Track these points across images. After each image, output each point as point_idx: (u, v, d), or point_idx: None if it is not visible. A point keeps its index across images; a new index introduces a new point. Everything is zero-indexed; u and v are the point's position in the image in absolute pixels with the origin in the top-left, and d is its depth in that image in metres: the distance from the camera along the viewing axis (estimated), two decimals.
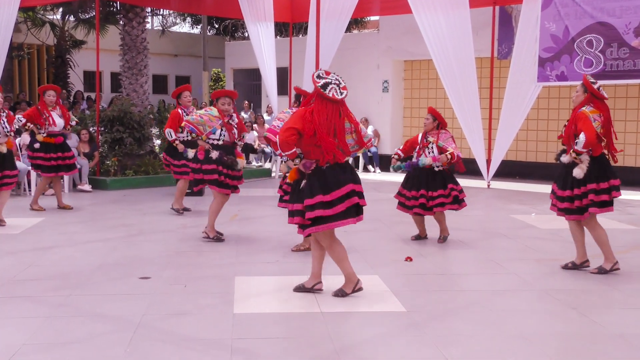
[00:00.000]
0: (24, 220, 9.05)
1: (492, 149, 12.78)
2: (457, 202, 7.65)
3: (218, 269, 6.51)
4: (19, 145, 11.61)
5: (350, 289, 5.57)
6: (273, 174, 14.99)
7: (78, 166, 11.18)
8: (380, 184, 13.74)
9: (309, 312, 5.16)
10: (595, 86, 6.15)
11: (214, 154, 7.57)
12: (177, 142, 9.18)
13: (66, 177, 11.49)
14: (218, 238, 7.70)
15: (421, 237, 7.95)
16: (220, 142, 7.65)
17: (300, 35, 18.70)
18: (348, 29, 16.26)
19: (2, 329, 4.77)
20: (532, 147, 14.51)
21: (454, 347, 4.46)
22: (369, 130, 16.13)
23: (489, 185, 13.01)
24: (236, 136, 7.79)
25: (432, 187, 7.58)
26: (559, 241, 7.87)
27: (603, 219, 9.47)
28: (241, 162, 7.75)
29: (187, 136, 8.80)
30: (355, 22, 21.28)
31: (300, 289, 5.69)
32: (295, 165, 5.43)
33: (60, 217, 9.35)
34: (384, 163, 16.02)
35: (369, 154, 15.98)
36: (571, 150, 6.17)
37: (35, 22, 18.71)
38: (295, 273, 6.33)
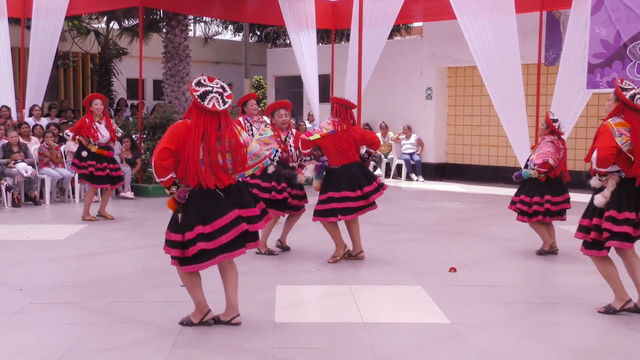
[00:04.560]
0: (69, 227, 9.16)
1: None
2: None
3: (259, 277, 6.48)
4: (64, 152, 11.79)
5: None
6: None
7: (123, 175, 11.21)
8: (423, 193, 13.58)
9: (350, 322, 5.09)
10: (629, 94, 5.10)
11: (271, 169, 7.22)
12: None
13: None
14: (270, 252, 7.49)
15: (546, 250, 7.54)
16: (275, 162, 7.12)
17: (343, 42, 18.64)
18: (391, 36, 16.14)
19: (46, 335, 4.82)
20: (580, 155, 14.16)
21: None
22: (412, 139, 15.92)
23: None
24: (293, 155, 7.33)
25: (555, 192, 7.39)
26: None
27: None
28: (300, 177, 7.33)
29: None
30: (398, 29, 21.15)
31: (188, 322, 4.97)
32: (171, 193, 4.66)
33: (103, 224, 9.44)
34: (427, 172, 15.83)
35: (412, 162, 15.80)
36: (594, 171, 5.23)
37: (80, 30, 19.05)
38: (336, 282, 6.28)
